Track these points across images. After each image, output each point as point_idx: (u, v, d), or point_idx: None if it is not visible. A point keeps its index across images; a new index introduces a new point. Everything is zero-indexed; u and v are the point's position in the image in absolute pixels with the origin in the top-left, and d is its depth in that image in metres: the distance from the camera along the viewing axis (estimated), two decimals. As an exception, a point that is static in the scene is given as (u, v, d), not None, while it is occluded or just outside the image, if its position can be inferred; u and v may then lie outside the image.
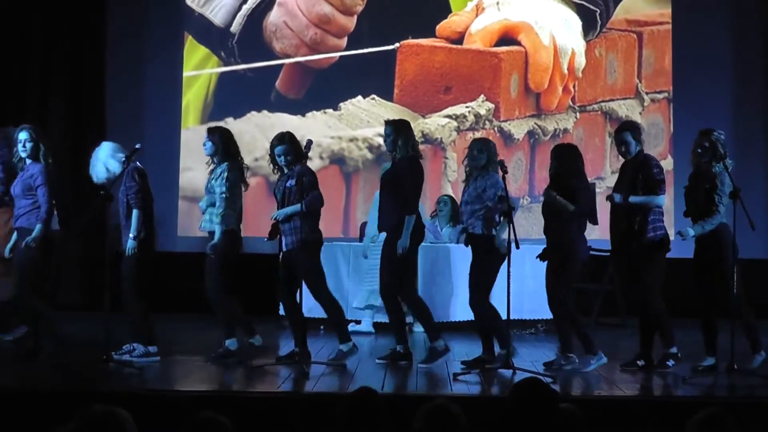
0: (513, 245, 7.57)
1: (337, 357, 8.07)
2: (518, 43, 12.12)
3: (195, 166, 11.70)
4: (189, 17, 12.34)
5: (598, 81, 12.18)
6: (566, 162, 8.00)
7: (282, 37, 12.23)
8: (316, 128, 11.85)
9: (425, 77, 12.14)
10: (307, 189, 7.94)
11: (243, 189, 8.36)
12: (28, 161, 8.28)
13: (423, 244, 9.55)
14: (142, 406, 4.06)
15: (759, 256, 11.08)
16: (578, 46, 12.13)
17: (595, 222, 8.21)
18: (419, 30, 12.16)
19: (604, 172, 11.88)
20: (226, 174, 8.16)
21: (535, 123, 12.07)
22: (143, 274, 8.18)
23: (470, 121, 12.03)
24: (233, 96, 12.21)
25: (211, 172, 8.32)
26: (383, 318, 8.99)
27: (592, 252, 8.34)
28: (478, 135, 11.83)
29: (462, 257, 8.85)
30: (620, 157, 8.11)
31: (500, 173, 7.87)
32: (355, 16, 12.19)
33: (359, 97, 12.14)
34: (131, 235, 8.04)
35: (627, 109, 12.09)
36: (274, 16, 12.24)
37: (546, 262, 8.07)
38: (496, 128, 12.01)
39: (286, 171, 8.06)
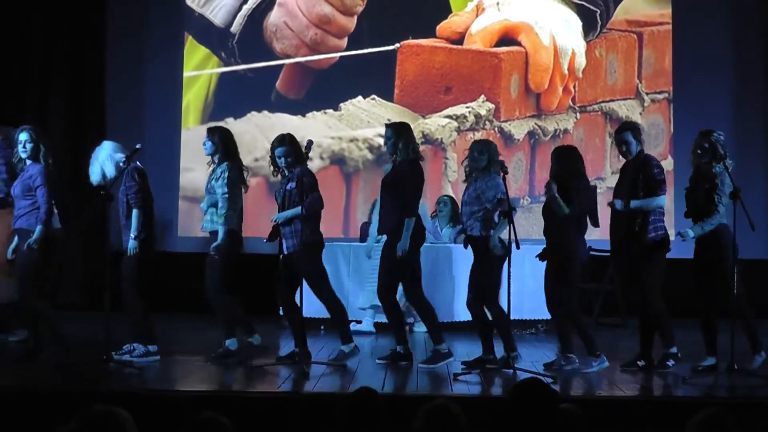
0: (513, 245, 7.57)
1: (338, 357, 8.07)
2: (518, 44, 12.12)
3: (195, 167, 11.70)
4: (189, 17, 12.34)
5: (599, 81, 12.18)
6: (566, 163, 8.00)
7: (282, 37, 12.24)
8: (317, 128, 11.85)
9: (425, 77, 12.14)
10: (307, 191, 7.94)
11: (243, 189, 8.36)
12: (28, 162, 8.28)
13: (424, 244, 9.56)
14: (142, 406, 4.06)
15: (759, 256, 11.08)
16: (578, 46, 12.13)
17: (596, 224, 8.21)
18: (419, 30, 12.16)
19: (604, 172, 11.89)
20: (227, 174, 8.16)
21: (536, 123, 12.07)
22: (143, 274, 8.19)
23: (470, 121, 12.03)
24: (233, 96, 12.21)
25: (212, 172, 8.32)
26: (385, 318, 8.98)
27: (592, 252, 8.35)
28: (478, 135, 11.85)
29: (463, 257, 8.85)
30: (621, 157, 8.10)
31: (501, 174, 7.87)
32: (356, 17, 12.19)
33: (359, 98, 12.14)
34: (132, 235, 8.05)
35: (627, 109, 12.09)
36: (275, 17, 12.24)
37: (546, 262, 8.08)
38: (496, 128, 12.01)
39: (286, 173, 8.05)
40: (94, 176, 8.20)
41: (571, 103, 12.12)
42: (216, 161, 8.29)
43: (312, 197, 7.97)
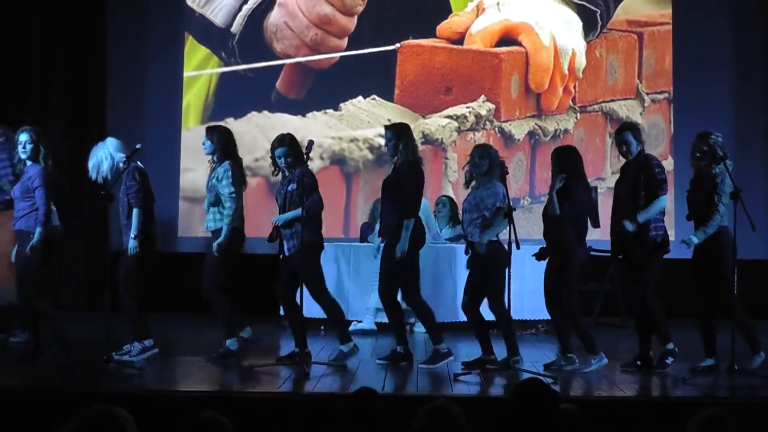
0: (513, 245, 7.57)
1: (338, 358, 8.07)
2: (519, 44, 12.12)
3: (195, 167, 11.71)
4: (189, 17, 12.34)
5: (599, 81, 12.17)
6: (566, 164, 8.00)
7: (282, 37, 12.23)
8: (317, 129, 11.85)
9: (426, 78, 12.14)
10: (308, 192, 7.93)
11: (243, 188, 8.37)
12: (28, 163, 8.28)
13: (429, 244, 9.57)
14: (142, 406, 4.04)
15: (759, 257, 11.08)
16: (579, 46, 12.13)
17: (596, 224, 8.21)
18: (420, 30, 12.15)
19: (604, 172, 11.88)
20: (230, 173, 8.17)
21: (536, 123, 12.07)
22: (142, 273, 8.20)
23: (471, 121, 12.03)
24: (234, 96, 12.21)
25: (212, 171, 8.33)
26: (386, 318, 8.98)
27: (592, 252, 8.34)
28: (478, 135, 11.86)
29: (465, 258, 8.84)
30: (621, 157, 8.10)
31: (502, 175, 7.87)
32: (356, 17, 12.19)
33: (360, 98, 12.14)
34: (132, 235, 8.05)
35: (627, 109, 12.09)
36: (275, 17, 12.24)
37: (546, 262, 8.09)
38: (496, 129, 12.01)
39: (286, 173, 8.05)
40: (91, 171, 8.22)
41: (571, 104, 12.11)
42: (216, 160, 8.29)
43: (312, 199, 7.97)
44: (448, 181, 11.98)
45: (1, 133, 9.35)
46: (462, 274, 8.47)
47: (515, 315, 8.17)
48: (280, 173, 8.15)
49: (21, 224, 8.22)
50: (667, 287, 8.27)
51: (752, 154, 11.69)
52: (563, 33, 12.13)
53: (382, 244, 9.10)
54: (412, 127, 8.50)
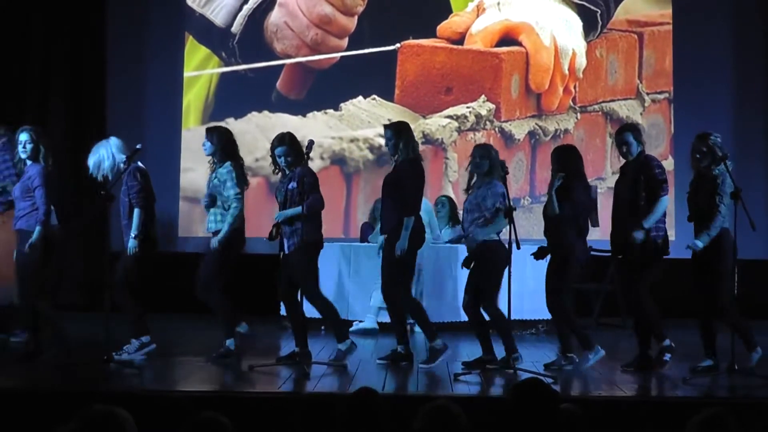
0: (514, 245, 7.58)
1: (337, 357, 8.07)
2: (519, 44, 12.12)
3: (196, 167, 11.71)
4: (190, 17, 12.33)
5: (599, 81, 12.17)
6: (566, 163, 8.01)
7: (283, 37, 12.23)
8: (317, 129, 11.85)
9: (426, 78, 12.14)
10: (308, 191, 7.93)
11: (245, 188, 8.38)
12: (28, 162, 8.29)
13: (431, 244, 9.57)
14: (142, 407, 4.04)
15: (759, 257, 11.08)
16: (579, 46, 12.13)
17: (595, 223, 8.21)
18: (420, 30, 12.15)
19: (605, 172, 11.88)
20: (234, 173, 8.17)
21: (536, 123, 12.07)
22: (141, 273, 8.20)
23: (471, 121, 12.03)
24: (234, 96, 12.21)
25: (213, 172, 8.32)
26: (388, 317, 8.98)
27: (592, 252, 8.34)
28: (479, 135, 11.86)
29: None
30: (621, 158, 8.11)
31: (503, 176, 7.89)
32: (356, 17, 12.19)
33: (360, 98, 12.14)
34: (132, 234, 8.06)
35: (628, 109, 12.09)
36: (275, 17, 12.24)
37: (547, 262, 8.10)
38: (496, 129, 12.01)
39: (287, 172, 8.05)
40: (91, 168, 8.23)
41: (571, 104, 12.11)
42: (216, 161, 8.29)
43: (313, 197, 7.97)
44: (448, 181, 11.98)
45: (3, 134, 9.36)
46: (463, 274, 8.47)
47: (515, 315, 8.17)
48: (281, 172, 8.14)
49: (21, 224, 8.23)
50: (667, 287, 8.28)
51: (752, 154, 11.69)
52: (563, 33, 12.13)
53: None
54: (412, 127, 8.50)
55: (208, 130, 8.49)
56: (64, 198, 9.18)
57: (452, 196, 11.50)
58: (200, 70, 12.34)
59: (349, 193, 12.02)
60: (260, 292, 10.47)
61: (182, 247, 11.77)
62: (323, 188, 8.16)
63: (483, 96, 12.03)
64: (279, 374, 7.60)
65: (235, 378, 7.70)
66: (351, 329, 10.04)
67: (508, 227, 7.70)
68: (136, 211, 8.09)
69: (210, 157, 8.36)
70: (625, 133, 8.00)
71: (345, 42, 12.19)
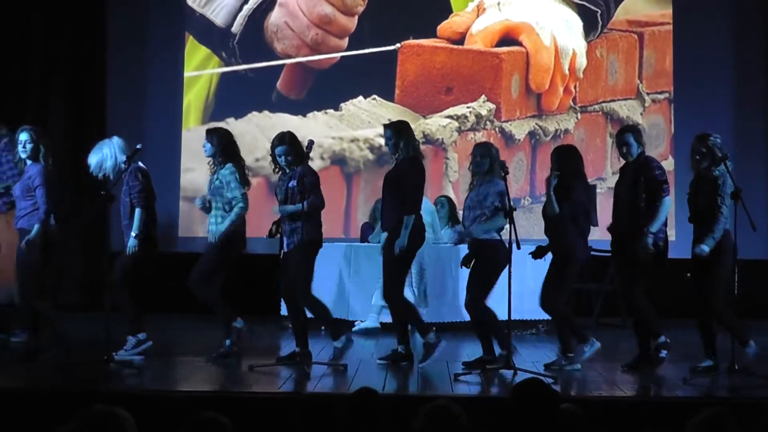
0: (514, 245, 7.58)
1: (335, 355, 8.05)
2: (519, 44, 12.12)
3: (196, 167, 11.70)
4: (190, 17, 12.33)
5: (599, 81, 12.17)
6: (566, 163, 8.01)
7: (283, 37, 12.23)
8: (317, 129, 11.85)
9: (426, 78, 12.14)
10: (309, 190, 7.93)
11: (247, 189, 8.37)
12: (28, 162, 8.30)
13: (432, 244, 9.55)
14: (142, 407, 4.04)
15: (759, 257, 11.07)
16: (579, 46, 12.13)
17: (593, 223, 8.21)
18: (420, 30, 12.15)
19: (605, 172, 11.88)
20: (237, 175, 8.17)
21: (536, 123, 12.07)
22: (141, 273, 8.21)
23: (471, 121, 12.02)
24: (234, 96, 12.20)
25: (214, 173, 8.32)
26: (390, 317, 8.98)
27: (592, 252, 8.34)
28: (479, 135, 11.85)
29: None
30: (621, 158, 8.11)
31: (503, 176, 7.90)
32: (356, 17, 12.19)
33: (360, 98, 12.14)
34: (133, 234, 8.07)
35: (628, 109, 12.09)
36: (275, 17, 12.24)
37: (547, 262, 8.11)
38: (497, 129, 12.00)
39: (287, 171, 8.04)
40: (93, 167, 8.23)
41: (571, 104, 12.11)
42: (217, 163, 8.29)
43: (314, 196, 7.95)
44: (448, 181, 11.97)
45: (5, 134, 9.36)
46: (464, 274, 8.47)
47: (515, 315, 8.17)
48: (281, 172, 8.13)
49: (23, 223, 8.25)
50: (667, 287, 8.27)
51: (752, 154, 11.69)
52: (564, 33, 12.13)
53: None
54: (412, 127, 8.49)
55: (208, 132, 8.49)
56: (64, 198, 9.19)
57: (452, 196, 11.51)
58: (200, 70, 12.34)
59: (349, 193, 12.02)
60: (260, 292, 10.47)
61: (182, 247, 11.76)
62: (323, 188, 8.15)
63: (483, 96, 12.03)
64: (279, 374, 7.60)
65: (235, 378, 7.69)
66: (353, 329, 10.05)
67: (508, 227, 7.70)
68: (137, 210, 8.10)
69: (210, 159, 8.36)
70: (626, 134, 8.01)
71: (345, 42, 12.19)
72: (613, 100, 12.14)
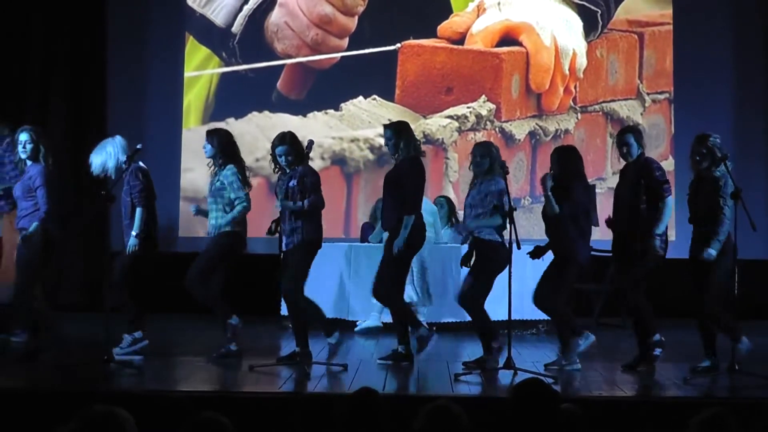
0: (514, 245, 7.58)
1: (331, 352, 8.02)
2: (519, 44, 12.11)
3: (196, 167, 11.70)
4: (190, 17, 12.33)
5: (600, 82, 12.17)
6: (566, 164, 8.02)
7: (283, 37, 12.23)
8: (317, 129, 11.85)
9: (426, 78, 12.14)
10: (310, 190, 7.93)
11: (248, 190, 8.37)
12: (29, 163, 8.30)
13: (434, 244, 9.54)
14: (142, 406, 4.04)
15: (759, 257, 11.07)
16: (579, 46, 12.13)
17: (594, 223, 8.21)
18: (420, 30, 12.15)
19: (605, 172, 11.88)
20: (238, 176, 8.17)
21: (537, 123, 12.07)
22: (140, 272, 8.21)
23: (471, 121, 12.02)
24: (234, 96, 12.20)
25: (214, 174, 8.32)
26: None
27: (592, 252, 8.34)
28: (479, 135, 11.85)
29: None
30: (621, 159, 8.11)
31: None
32: (356, 17, 12.19)
33: (360, 98, 12.14)
34: (133, 233, 8.08)
35: (628, 109, 12.09)
36: (276, 17, 12.24)
37: (546, 262, 8.11)
38: (497, 129, 12.00)
39: (287, 171, 8.02)
40: (96, 167, 8.22)
41: (572, 104, 12.11)
42: (218, 164, 8.28)
43: (315, 196, 7.95)
44: (448, 181, 11.97)
45: (8, 134, 9.35)
46: (465, 274, 8.47)
47: (515, 315, 8.17)
48: (281, 172, 8.12)
49: (24, 223, 8.28)
50: (668, 287, 8.27)
51: (752, 154, 11.69)
52: (564, 33, 12.13)
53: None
54: (412, 127, 8.49)
55: (209, 133, 8.48)
56: (64, 198, 9.19)
57: (452, 196, 11.51)
58: (201, 70, 12.34)
59: (349, 194, 12.02)
60: (260, 292, 10.47)
61: (182, 247, 11.75)
62: (324, 188, 8.15)
63: (483, 96, 12.03)
64: (279, 374, 7.60)
65: (235, 378, 7.69)
66: (356, 329, 10.06)
67: (508, 227, 7.70)
68: (138, 210, 8.11)
69: (210, 160, 8.36)
70: (626, 134, 8.01)
71: (345, 42, 12.19)
72: (613, 100, 12.14)
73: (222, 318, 8.23)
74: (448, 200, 11.04)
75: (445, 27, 12.17)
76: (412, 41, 12.13)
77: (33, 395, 6.60)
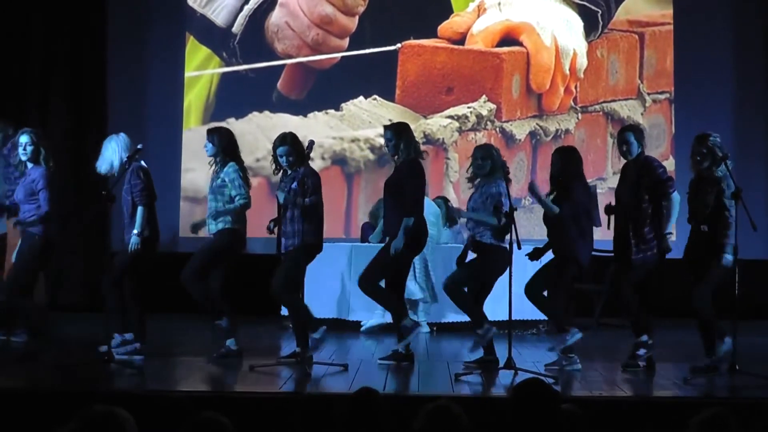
0: (515, 245, 7.59)
1: (311, 346, 7.93)
2: (520, 44, 12.12)
3: (197, 167, 11.70)
4: (190, 17, 12.34)
5: (600, 82, 12.17)
6: (567, 164, 8.02)
7: (284, 37, 12.23)
8: (318, 129, 11.85)
9: (427, 78, 12.14)
10: (310, 192, 7.92)
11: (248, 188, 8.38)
12: (29, 165, 8.31)
13: (438, 244, 9.53)
14: (142, 406, 4.04)
15: (759, 257, 11.07)
16: (580, 46, 12.13)
17: (596, 223, 8.21)
18: (421, 30, 12.15)
19: (605, 173, 11.89)
20: (240, 174, 8.16)
21: (537, 123, 12.07)
22: (142, 272, 8.22)
23: (472, 121, 12.03)
24: (235, 96, 12.21)
25: (215, 173, 8.31)
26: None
27: (593, 252, 8.34)
28: (479, 135, 11.85)
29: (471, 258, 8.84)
30: (621, 157, 8.11)
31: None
32: (357, 17, 12.19)
33: (361, 98, 12.14)
34: (135, 232, 8.08)
35: (629, 109, 12.09)
36: (276, 17, 12.24)
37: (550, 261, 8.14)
38: (497, 129, 12.01)
39: (289, 172, 8.01)
40: (104, 166, 8.22)
41: (572, 104, 12.11)
42: (219, 162, 8.28)
43: (315, 196, 7.94)
44: (449, 181, 11.98)
45: (11, 134, 9.34)
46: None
47: (516, 315, 8.17)
48: (282, 172, 8.11)
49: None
50: (668, 287, 8.26)
51: (752, 154, 11.69)
52: (564, 33, 12.13)
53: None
54: (413, 127, 8.49)
55: (210, 131, 8.48)
56: (65, 198, 9.19)
57: (453, 196, 11.52)
58: (201, 70, 12.34)
59: (350, 194, 12.03)
60: (260, 292, 10.45)
61: (183, 247, 11.75)
62: (324, 188, 8.14)
63: (484, 96, 12.03)
64: (279, 374, 7.60)
65: (235, 378, 7.69)
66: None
67: (508, 228, 7.70)
68: (139, 209, 8.11)
69: (212, 158, 8.36)
70: (627, 132, 8.01)
71: (346, 42, 12.20)
72: (613, 101, 12.14)
73: (214, 316, 8.17)
74: (446, 201, 11.04)
75: (445, 27, 12.17)
76: (412, 41, 12.13)
77: (33, 395, 6.60)
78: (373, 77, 12.13)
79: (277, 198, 8.08)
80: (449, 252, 10.24)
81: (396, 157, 8.15)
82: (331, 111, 12.13)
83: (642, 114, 12.04)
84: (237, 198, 8.12)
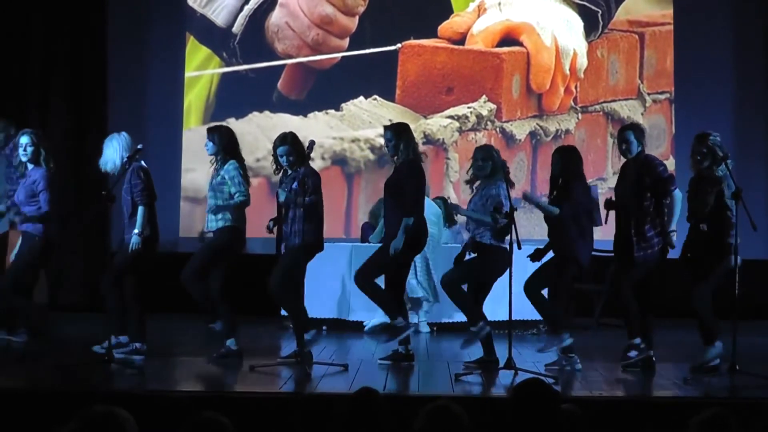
0: (515, 245, 7.59)
1: (306, 344, 7.91)
2: (520, 44, 12.12)
3: (197, 167, 11.70)
4: (191, 18, 12.34)
5: (600, 82, 12.17)
6: (567, 164, 8.02)
7: (284, 37, 12.23)
8: (318, 129, 11.85)
9: (427, 78, 12.14)
10: (311, 192, 7.91)
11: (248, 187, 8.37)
12: (30, 166, 8.32)
13: (439, 244, 9.52)
14: (142, 406, 4.04)
15: (759, 257, 11.06)
16: (580, 46, 12.13)
17: (597, 222, 8.21)
18: (421, 30, 12.15)
19: (606, 172, 11.88)
20: (240, 172, 8.15)
21: (537, 124, 12.07)
22: (142, 271, 8.22)
23: (472, 121, 12.03)
24: (235, 97, 12.21)
25: (216, 170, 8.31)
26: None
27: (593, 252, 8.34)
28: (480, 135, 11.86)
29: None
30: (621, 157, 8.11)
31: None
32: (357, 17, 12.19)
33: (361, 98, 12.14)
34: (135, 231, 8.08)
35: (629, 109, 12.09)
36: (276, 17, 12.24)
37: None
38: (497, 129, 12.00)
39: (289, 171, 8.01)
40: (109, 164, 8.21)
41: (572, 104, 12.11)
42: (219, 160, 8.27)
43: (314, 196, 7.94)
44: (449, 181, 11.98)
45: (13, 134, 9.34)
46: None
47: (516, 315, 8.17)
48: (282, 172, 8.11)
49: (27, 226, 8.30)
50: (668, 287, 8.25)
51: (752, 154, 11.69)
52: (564, 33, 12.13)
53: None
54: (413, 127, 8.49)
55: (210, 130, 8.47)
56: (65, 198, 9.19)
57: (453, 196, 11.52)
58: (201, 70, 12.34)
59: (350, 194, 12.03)
60: (260, 292, 10.44)
61: (183, 247, 11.75)
62: (324, 188, 8.14)
63: (484, 96, 12.03)
64: (279, 374, 7.60)
65: (235, 378, 7.69)
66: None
67: (508, 228, 7.70)
68: (140, 208, 8.11)
69: (213, 157, 8.35)
70: (627, 131, 8.01)
71: (346, 42, 12.20)
72: (613, 101, 12.14)
73: (226, 319, 8.18)
74: (445, 201, 11.02)
75: (445, 27, 12.17)
76: (412, 41, 12.13)
77: (33, 395, 6.60)
78: (374, 77, 12.13)
79: (277, 197, 8.08)
80: (450, 252, 10.24)
81: (396, 157, 8.14)
82: (332, 111, 12.14)
83: (642, 114, 12.04)
84: (236, 195, 8.11)
